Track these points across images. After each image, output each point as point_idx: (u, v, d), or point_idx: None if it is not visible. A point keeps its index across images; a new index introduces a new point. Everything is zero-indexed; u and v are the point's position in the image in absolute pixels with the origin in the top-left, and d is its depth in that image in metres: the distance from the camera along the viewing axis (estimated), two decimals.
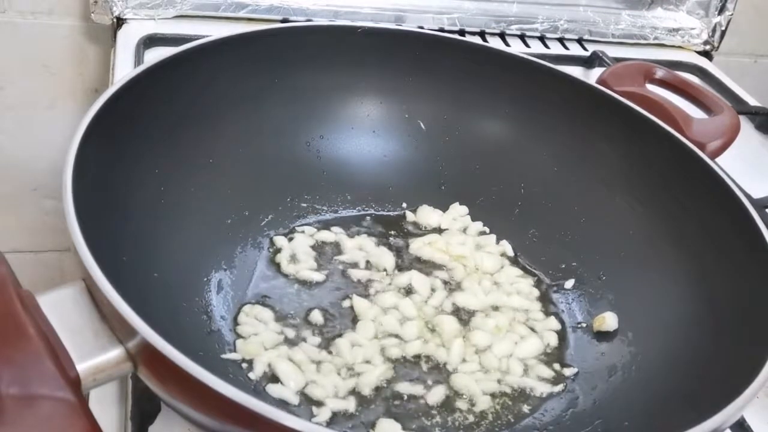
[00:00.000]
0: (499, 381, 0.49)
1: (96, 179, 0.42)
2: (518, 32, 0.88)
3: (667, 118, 0.57)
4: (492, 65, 0.61)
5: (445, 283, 0.55)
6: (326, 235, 0.57)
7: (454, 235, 0.58)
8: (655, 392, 0.45)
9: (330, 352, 0.48)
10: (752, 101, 0.86)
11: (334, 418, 0.45)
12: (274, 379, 0.46)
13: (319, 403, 0.45)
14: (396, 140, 0.61)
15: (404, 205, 0.61)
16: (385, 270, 0.55)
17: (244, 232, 0.55)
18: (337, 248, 0.56)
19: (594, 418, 0.46)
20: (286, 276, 0.53)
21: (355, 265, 0.55)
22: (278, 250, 0.55)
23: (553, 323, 0.53)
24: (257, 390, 0.45)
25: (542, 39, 0.89)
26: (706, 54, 0.95)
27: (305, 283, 0.53)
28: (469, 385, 0.48)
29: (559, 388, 0.49)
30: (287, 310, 0.51)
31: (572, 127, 0.59)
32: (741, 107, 0.83)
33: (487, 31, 0.87)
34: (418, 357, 0.49)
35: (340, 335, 0.49)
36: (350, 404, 0.45)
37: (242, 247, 0.54)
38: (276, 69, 0.57)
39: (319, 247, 0.56)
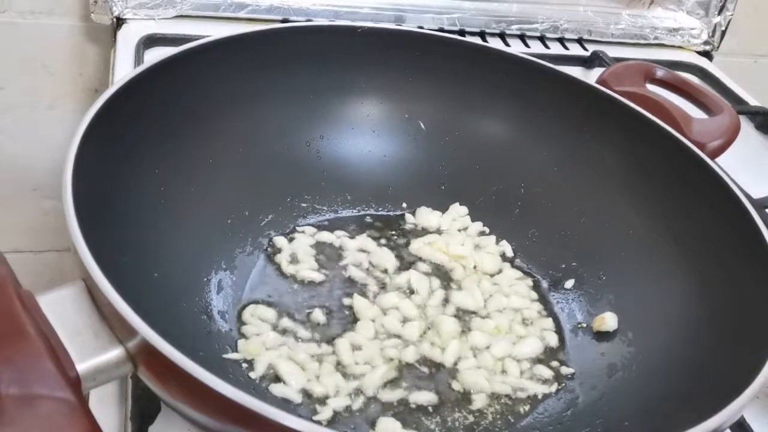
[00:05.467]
0: (498, 381, 0.49)
1: (96, 179, 0.42)
2: (518, 32, 0.88)
3: (667, 118, 0.57)
4: (492, 65, 0.61)
5: (445, 283, 0.55)
6: (326, 236, 0.57)
7: (453, 235, 0.58)
8: (655, 392, 0.45)
9: (331, 352, 0.48)
10: (752, 101, 0.86)
11: (336, 417, 0.45)
12: (276, 378, 0.46)
13: (322, 402, 0.45)
14: (396, 140, 0.61)
15: (404, 205, 0.61)
16: (385, 270, 0.55)
17: (244, 232, 0.55)
18: (337, 248, 0.56)
19: (594, 418, 0.46)
20: (286, 276, 0.53)
21: (355, 265, 0.55)
22: (278, 250, 0.55)
23: (553, 323, 0.53)
24: (257, 390, 0.45)
25: (542, 39, 0.89)
26: (706, 54, 0.95)
27: (305, 283, 0.53)
28: (478, 381, 0.48)
29: (559, 388, 0.49)
30: (288, 309, 0.51)
31: (572, 127, 0.59)
32: (741, 107, 0.83)
33: (487, 31, 0.87)
34: (418, 357, 0.49)
35: (340, 335, 0.49)
36: (352, 403, 0.45)
37: (242, 247, 0.54)
38: (276, 69, 0.57)
39: (319, 247, 0.56)
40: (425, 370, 0.49)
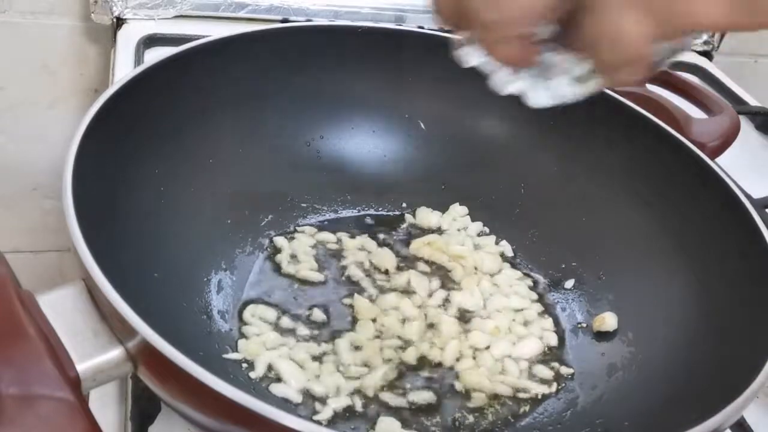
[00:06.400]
0: (498, 381, 0.49)
1: (96, 179, 0.42)
2: None
3: (667, 118, 0.57)
4: None
5: (445, 283, 0.55)
6: (326, 236, 0.57)
7: (453, 235, 0.58)
8: (655, 392, 0.45)
9: (331, 352, 0.48)
10: (752, 101, 0.86)
11: (336, 417, 0.45)
12: (276, 378, 0.46)
13: (322, 402, 0.45)
14: (396, 140, 0.61)
15: (404, 205, 0.61)
16: (385, 270, 0.55)
17: (244, 232, 0.55)
18: (337, 248, 0.56)
19: (594, 418, 0.46)
20: (286, 276, 0.53)
21: (355, 265, 0.55)
22: (278, 251, 0.55)
23: (553, 323, 0.53)
24: (258, 390, 0.45)
25: None
26: (706, 54, 0.95)
27: (306, 283, 0.53)
28: (478, 381, 0.48)
29: (559, 388, 0.49)
30: (288, 309, 0.51)
31: (572, 127, 0.59)
32: (741, 107, 0.83)
33: None
34: (418, 357, 0.49)
35: (340, 335, 0.49)
36: (352, 403, 0.45)
37: (242, 247, 0.54)
38: (276, 69, 0.57)
39: (319, 247, 0.56)
40: (425, 370, 0.49)
